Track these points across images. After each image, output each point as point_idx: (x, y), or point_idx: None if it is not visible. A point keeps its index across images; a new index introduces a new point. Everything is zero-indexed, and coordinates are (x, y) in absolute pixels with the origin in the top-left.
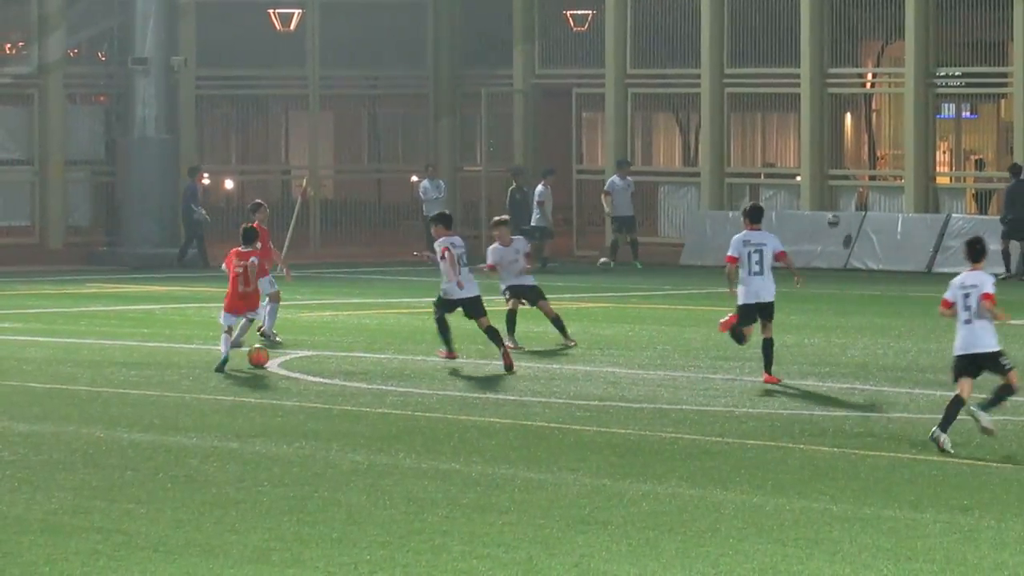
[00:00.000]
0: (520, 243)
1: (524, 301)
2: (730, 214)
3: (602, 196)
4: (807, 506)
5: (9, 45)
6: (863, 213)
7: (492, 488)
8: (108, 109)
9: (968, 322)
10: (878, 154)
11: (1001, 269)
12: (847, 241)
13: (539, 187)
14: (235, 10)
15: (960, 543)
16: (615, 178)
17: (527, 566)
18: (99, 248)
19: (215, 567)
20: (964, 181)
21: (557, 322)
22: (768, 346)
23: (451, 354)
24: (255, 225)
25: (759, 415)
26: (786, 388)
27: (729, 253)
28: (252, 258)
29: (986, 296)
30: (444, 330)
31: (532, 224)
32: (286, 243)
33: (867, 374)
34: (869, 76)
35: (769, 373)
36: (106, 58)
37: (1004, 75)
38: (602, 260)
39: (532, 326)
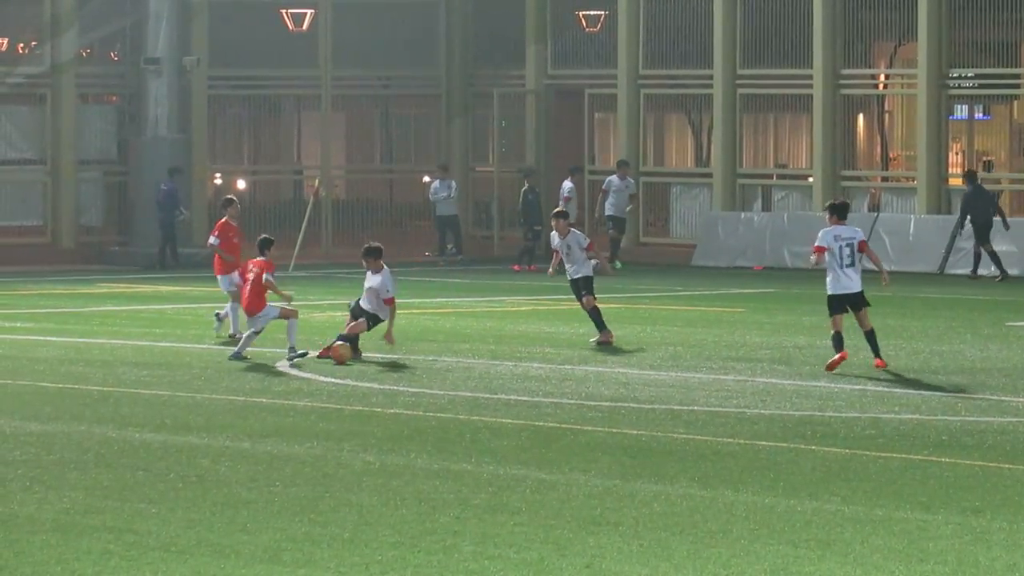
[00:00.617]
0: (575, 237)
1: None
2: (742, 215)
3: (600, 194)
4: (819, 507)
5: (22, 45)
6: (875, 214)
7: (503, 489)
8: (120, 109)
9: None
10: (890, 155)
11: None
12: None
13: (566, 183)
14: (247, 10)
15: (972, 545)
16: (614, 178)
17: (538, 567)
18: (111, 248)
19: (226, 567)
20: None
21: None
22: (871, 336)
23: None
24: (226, 221)
25: (771, 416)
26: (797, 388)
27: (818, 243)
28: (259, 270)
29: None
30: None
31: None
32: (298, 243)
33: (879, 375)
34: (882, 77)
35: (879, 358)
36: (118, 58)
37: (1017, 76)
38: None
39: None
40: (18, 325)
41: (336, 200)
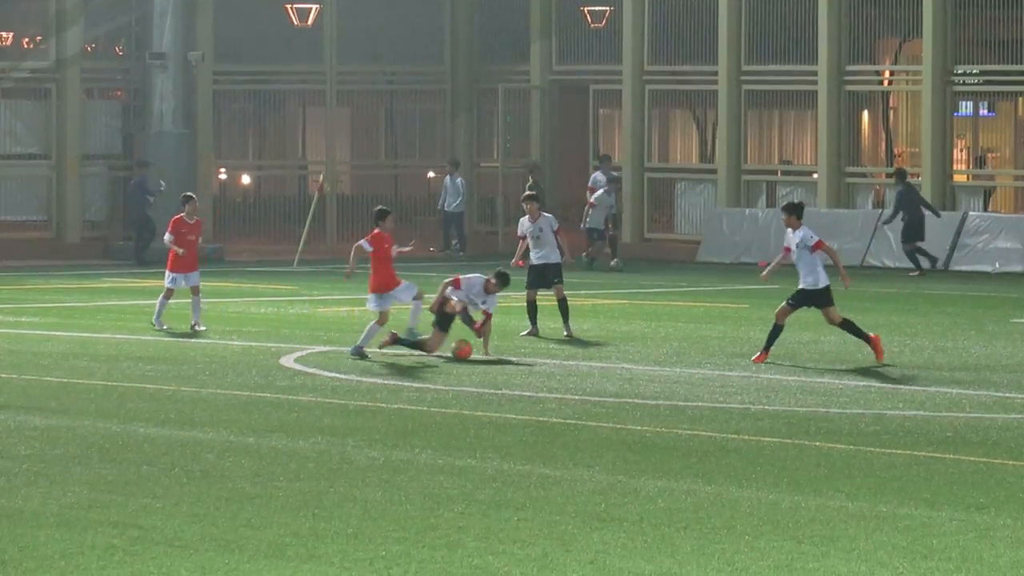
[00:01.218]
0: (547, 221)
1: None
2: (747, 211)
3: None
4: (823, 504)
5: (27, 39)
6: (880, 210)
7: (508, 484)
8: (125, 104)
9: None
10: (895, 152)
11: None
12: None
13: (597, 175)
14: (253, 5)
15: (976, 541)
16: (598, 174)
17: (542, 562)
18: (115, 242)
19: (231, 562)
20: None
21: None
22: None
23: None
24: (182, 216)
25: (775, 412)
26: (802, 384)
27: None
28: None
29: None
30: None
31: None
32: (303, 238)
33: (883, 371)
34: (887, 74)
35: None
36: (123, 53)
37: (1022, 73)
38: (614, 261)
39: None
40: (23, 320)
41: (341, 195)
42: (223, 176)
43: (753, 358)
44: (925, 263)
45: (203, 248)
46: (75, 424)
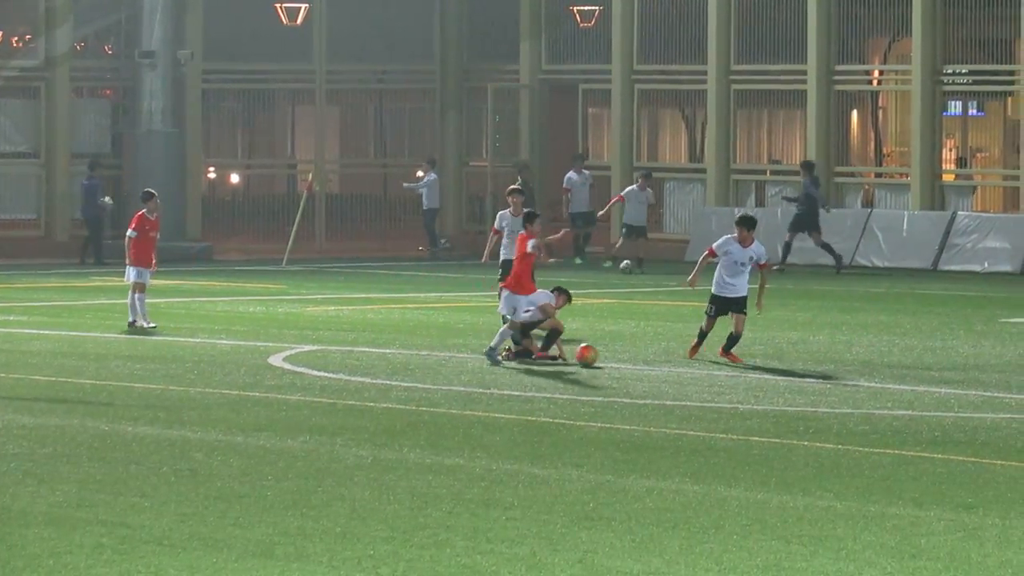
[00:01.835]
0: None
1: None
2: (736, 210)
3: (563, 193)
4: (811, 503)
5: (16, 38)
6: (869, 210)
7: (496, 484)
8: (115, 102)
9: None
10: (884, 151)
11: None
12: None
13: (570, 174)
14: (242, 4)
15: (964, 541)
16: (571, 174)
17: (531, 561)
18: (105, 241)
19: (219, 561)
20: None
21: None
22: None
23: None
24: (142, 214)
25: (763, 412)
26: (791, 384)
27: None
28: (530, 241)
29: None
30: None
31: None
32: (291, 237)
33: (872, 371)
34: (876, 73)
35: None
36: (113, 51)
37: (1011, 73)
38: (624, 263)
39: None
40: (11, 318)
41: (330, 194)
42: (212, 175)
43: (687, 350)
44: (832, 261)
45: (192, 247)
46: (64, 423)
